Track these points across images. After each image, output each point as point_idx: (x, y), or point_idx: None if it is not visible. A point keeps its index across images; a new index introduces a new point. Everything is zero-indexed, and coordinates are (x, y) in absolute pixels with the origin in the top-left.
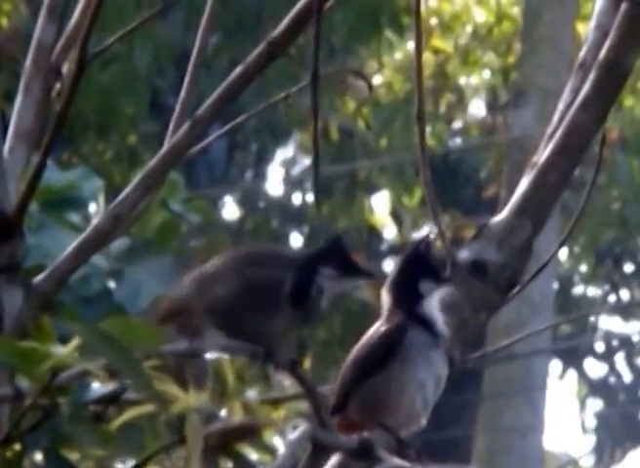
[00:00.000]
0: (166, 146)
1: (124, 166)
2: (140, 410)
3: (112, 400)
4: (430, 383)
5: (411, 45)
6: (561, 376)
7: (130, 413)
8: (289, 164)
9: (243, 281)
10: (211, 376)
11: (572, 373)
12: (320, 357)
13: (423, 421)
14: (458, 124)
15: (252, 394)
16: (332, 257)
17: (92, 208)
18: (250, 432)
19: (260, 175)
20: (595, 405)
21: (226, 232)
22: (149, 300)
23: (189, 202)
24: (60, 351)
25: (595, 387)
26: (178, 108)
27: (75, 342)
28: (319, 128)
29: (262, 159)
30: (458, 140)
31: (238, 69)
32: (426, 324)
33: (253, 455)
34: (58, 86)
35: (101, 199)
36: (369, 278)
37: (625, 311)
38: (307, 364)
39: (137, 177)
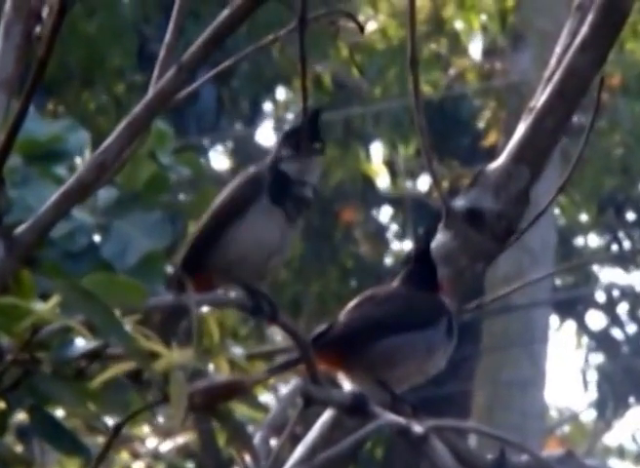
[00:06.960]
0: (151, 92)
1: (110, 116)
2: (124, 367)
3: (95, 356)
4: None
5: None
6: (558, 328)
7: (113, 370)
8: (281, 114)
9: None
10: (195, 332)
11: (572, 326)
12: (315, 313)
13: None
14: (454, 70)
15: (238, 350)
16: (291, 139)
17: (78, 161)
18: (237, 390)
19: (252, 126)
20: (597, 358)
21: (217, 183)
22: (137, 256)
23: (179, 153)
24: (41, 307)
25: (597, 340)
26: (162, 53)
27: (55, 298)
28: (311, 77)
29: (254, 109)
30: (454, 87)
31: (225, 12)
32: None
33: (244, 412)
34: (38, 30)
35: (87, 151)
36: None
37: (627, 260)
38: (303, 319)
39: (121, 124)
